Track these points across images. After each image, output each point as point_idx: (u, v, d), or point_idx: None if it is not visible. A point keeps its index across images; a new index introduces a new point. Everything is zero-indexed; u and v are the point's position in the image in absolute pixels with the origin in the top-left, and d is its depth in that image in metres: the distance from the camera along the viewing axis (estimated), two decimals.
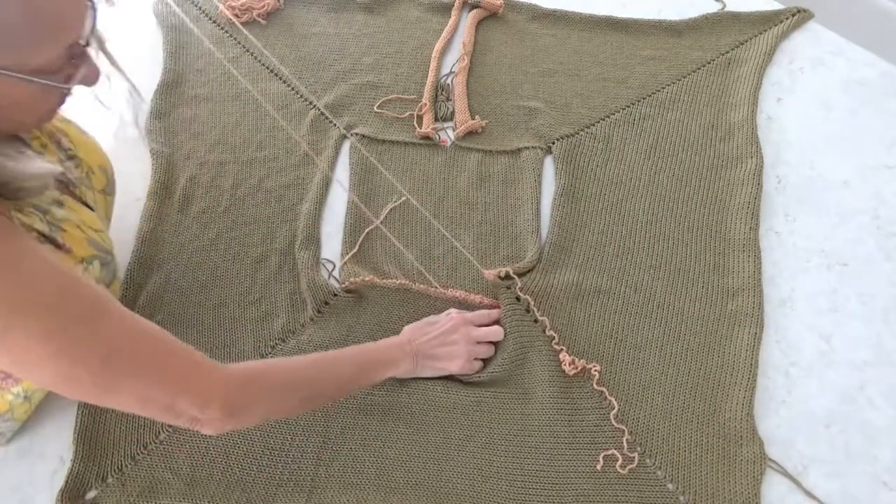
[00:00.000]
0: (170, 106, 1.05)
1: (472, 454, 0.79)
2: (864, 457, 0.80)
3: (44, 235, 0.64)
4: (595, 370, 0.83)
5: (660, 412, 0.82)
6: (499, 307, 0.88)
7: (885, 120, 1.06)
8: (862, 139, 1.04)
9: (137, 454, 0.78)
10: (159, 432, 0.79)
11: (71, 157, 0.75)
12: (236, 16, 1.15)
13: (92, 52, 0.60)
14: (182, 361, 0.61)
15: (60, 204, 0.68)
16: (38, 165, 0.61)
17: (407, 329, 0.83)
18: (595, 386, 0.82)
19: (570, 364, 0.82)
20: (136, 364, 0.58)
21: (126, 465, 0.77)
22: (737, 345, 0.85)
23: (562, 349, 0.84)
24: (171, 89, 1.06)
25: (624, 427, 0.80)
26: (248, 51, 1.13)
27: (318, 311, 0.88)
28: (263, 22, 1.15)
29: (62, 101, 0.61)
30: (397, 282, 0.90)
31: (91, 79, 0.60)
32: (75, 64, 0.57)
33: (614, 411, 0.81)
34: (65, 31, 0.55)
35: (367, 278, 0.89)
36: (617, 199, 0.98)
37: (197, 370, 0.62)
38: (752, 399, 0.81)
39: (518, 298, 0.87)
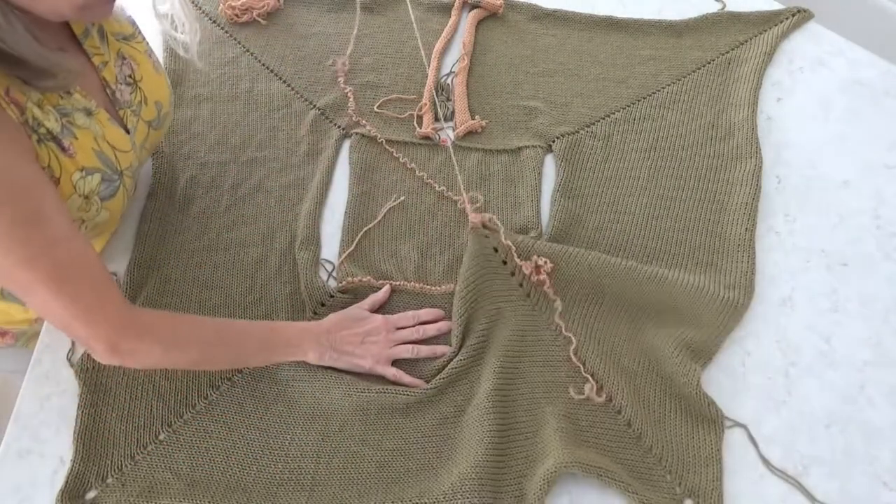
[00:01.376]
0: None
1: (466, 425, 0.79)
2: (864, 457, 0.79)
3: (52, 135, 0.67)
4: (546, 280, 0.85)
5: (629, 373, 0.83)
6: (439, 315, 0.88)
7: (885, 120, 1.06)
8: (862, 139, 1.04)
9: (137, 454, 0.78)
10: (159, 433, 0.79)
11: (129, 84, 0.79)
12: (236, 16, 1.15)
13: None
14: (93, 292, 0.66)
15: (89, 113, 0.71)
16: (56, 58, 0.64)
17: (331, 318, 0.83)
18: (574, 359, 0.84)
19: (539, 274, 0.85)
20: (51, 277, 0.63)
21: (126, 466, 0.77)
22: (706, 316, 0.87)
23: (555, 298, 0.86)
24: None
25: (591, 378, 0.82)
26: (248, 51, 1.13)
27: (315, 313, 0.87)
28: (263, 22, 1.15)
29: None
30: (392, 282, 0.90)
31: None
32: None
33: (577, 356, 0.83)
34: None
35: (363, 279, 0.89)
36: (615, 197, 0.98)
37: (102, 305, 0.67)
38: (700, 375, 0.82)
39: (496, 249, 0.88)
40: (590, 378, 0.82)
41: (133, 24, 0.81)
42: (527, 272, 0.86)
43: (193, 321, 0.77)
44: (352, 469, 0.78)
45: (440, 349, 0.85)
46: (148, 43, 0.84)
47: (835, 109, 1.07)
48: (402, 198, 0.98)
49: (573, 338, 0.84)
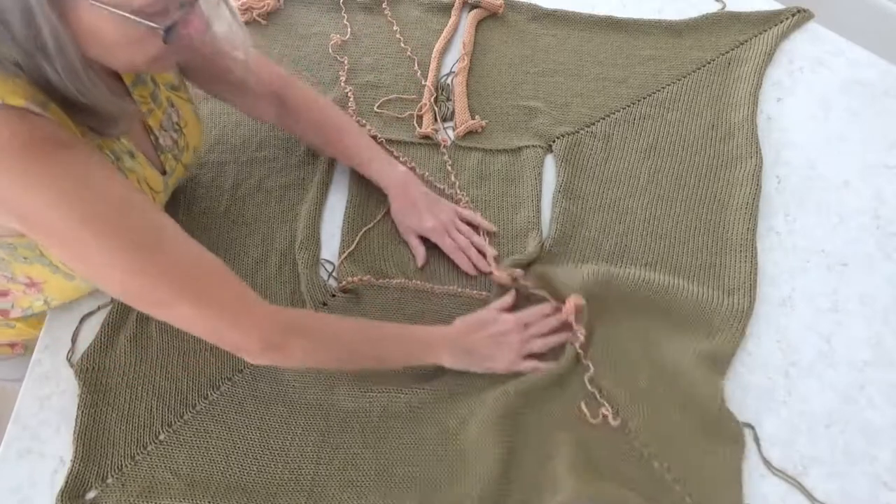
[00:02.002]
0: None
1: (468, 438, 0.79)
2: (864, 457, 0.79)
3: None
4: (580, 344, 0.83)
5: (642, 392, 0.81)
6: (554, 308, 0.86)
7: (885, 120, 1.06)
8: (862, 139, 1.04)
9: (137, 454, 0.77)
10: (159, 433, 0.79)
11: (177, 130, 0.82)
12: None
13: (205, 4, 0.63)
14: (232, 293, 0.68)
15: (132, 156, 0.74)
16: (124, 105, 0.68)
17: (459, 323, 0.83)
18: (589, 386, 0.82)
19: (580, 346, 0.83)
20: (188, 289, 0.65)
21: (126, 466, 0.77)
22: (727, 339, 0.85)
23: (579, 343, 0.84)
24: None
25: (607, 404, 0.80)
26: None
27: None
28: (263, 22, 1.15)
29: (168, 53, 0.63)
30: (394, 281, 0.90)
31: (194, 30, 0.63)
32: (182, 13, 0.60)
33: (593, 383, 0.81)
34: None
35: (363, 278, 0.89)
36: (616, 197, 0.98)
37: (244, 304, 0.69)
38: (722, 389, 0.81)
39: (528, 298, 0.88)
40: (605, 404, 0.80)
41: (176, 74, 0.84)
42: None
43: (336, 319, 0.79)
44: (351, 471, 0.78)
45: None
46: (189, 90, 0.87)
47: (835, 109, 1.07)
48: None
49: (591, 365, 0.82)
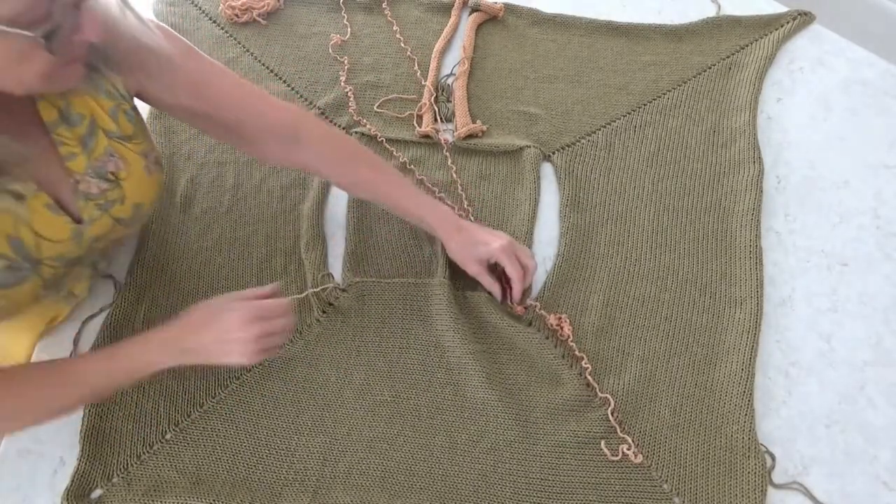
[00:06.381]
0: None
1: (478, 459, 0.79)
2: (864, 457, 0.80)
3: None
4: (586, 363, 0.83)
5: (666, 425, 0.81)
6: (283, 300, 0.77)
7: (885, 120, 1.06)
8: (862, 139, 1.04)
9: (143, 453, 0.78)
10: (165, 432, 0.79)
11: (109, 181, 0.73)
12: (236, 16, 1.15)
13: (94, 6, 0.55)
14: None
15: (19, 197, 0.65)
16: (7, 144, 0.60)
17: (185, 317, 0.74)
18: (612, 419, 0.80)
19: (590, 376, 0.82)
20: None
21: (132, 465, 0.77)
22: (744, 353, 0.85)
23: (585, 364, 0.84)
24: None
25: (629, 438, 0.79)
26: (248, 51, 1.13)
27: (323, 312, 0.87)
28: (263, 22, 1.15)
29: (61, 65, 0.57)
30: (398, 280, 0.90)
31: (89, 33, 0.56)
32: (68, 19, 0.54)
33: (615, 416, 0.80)
34: None
35: (367, 278, 0.90)
36: (622, 209, 0.97)
37: None
38: (752, 408, 0.81)
39: (530, 323, 0.87)
40: (627, 439, 0.79)
41: (137, 124, 0.76)
42: (552, 325, 0.85)
43: (19, 381, 0.69)
44: (357, 475, 0.77)
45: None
46: (151, 142, 0.79)
47: (835, 109, 1.07)
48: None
49: (611, 399, 0.81)
